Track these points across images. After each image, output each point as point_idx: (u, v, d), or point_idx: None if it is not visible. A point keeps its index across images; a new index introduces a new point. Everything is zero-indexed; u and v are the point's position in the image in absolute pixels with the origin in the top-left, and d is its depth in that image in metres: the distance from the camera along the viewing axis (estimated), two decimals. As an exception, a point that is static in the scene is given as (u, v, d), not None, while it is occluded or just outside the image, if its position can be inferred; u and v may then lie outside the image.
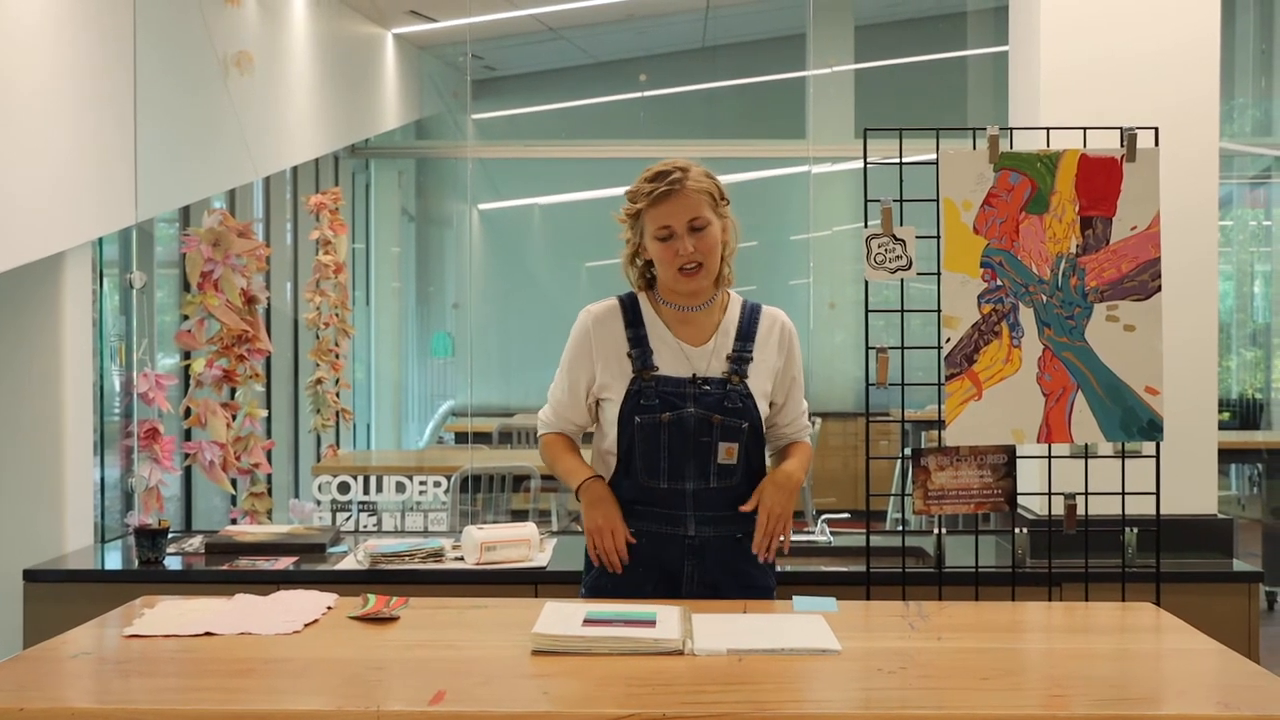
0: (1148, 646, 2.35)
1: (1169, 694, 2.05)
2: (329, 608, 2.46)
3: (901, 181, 3.01)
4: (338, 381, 5.78)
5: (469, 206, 8.82)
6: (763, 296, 2.78)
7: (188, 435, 4.44)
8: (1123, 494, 3.03)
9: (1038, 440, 2.93)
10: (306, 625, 2.33)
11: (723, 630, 2.24)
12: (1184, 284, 3.41)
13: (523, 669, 2.07)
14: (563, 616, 2.28)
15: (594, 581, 2.68)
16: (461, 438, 7.75)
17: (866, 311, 3.08)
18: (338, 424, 6.00)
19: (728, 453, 2.60)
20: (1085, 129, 3.00)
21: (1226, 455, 5.79)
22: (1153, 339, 2.91)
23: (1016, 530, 3.27)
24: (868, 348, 3.01)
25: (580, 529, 2.79)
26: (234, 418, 3.95)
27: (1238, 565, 3.44)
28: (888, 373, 2.99)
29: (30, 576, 3.38)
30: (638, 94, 9.73)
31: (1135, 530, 3.24)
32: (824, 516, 3.89)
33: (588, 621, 2.24)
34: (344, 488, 3.82)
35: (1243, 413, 8.62)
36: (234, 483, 3.98)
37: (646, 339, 2.65)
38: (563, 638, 2.15)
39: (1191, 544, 3.46)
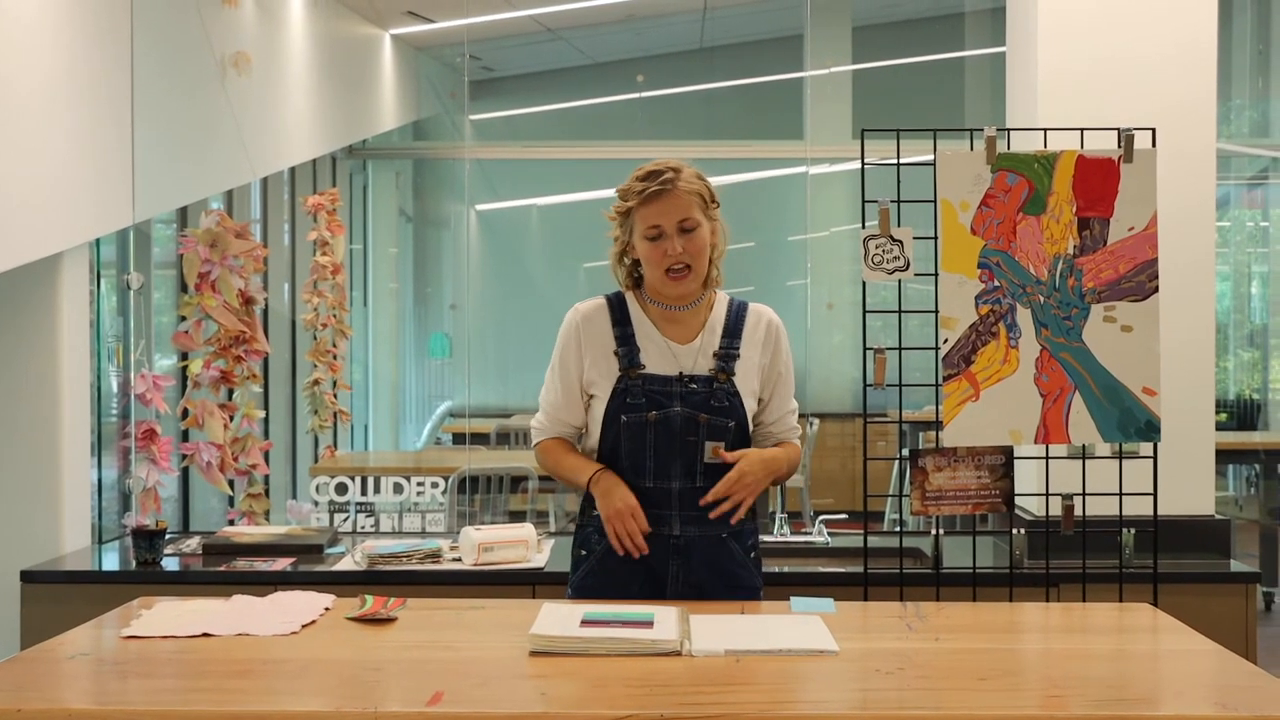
0: (1145, 647, 2.35)
1: (1166, 694, 2.05)
2: (326, 609, 2.46)
3: (899, 182, 3.01)
4: (335, 383, 5.78)
5: (466, 207, 8.82)
6: (760, 297, 2.77)
7: (185, 436, 4.44)
8: (1120, 495, 3.03)
9: (1035, 441, 2.93)
10: (304, 626, 2.33)
11: (720, 631, 2.24)
12: (1181, 285, 3.41)
13: (520, 670, 2.06)
14: (560, 617, 2.28)
15: (580, 581, 2.67)
16: (459, 439, 7.75)
17: (864, 312, 3.08)
18: (335, 425, 6.00)
19: (714, 451, 2.59)
20: (1082, 130, 3.00)
21: (1224, 456, 5.80)
22: (1150, 340, 2.91)
23: (1014, 531, 3.27)
24: (865, 348, 3.01)
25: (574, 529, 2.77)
26: (231, 419, 3.95)
27: (1235, 566, 3.45)
28: (885, 373, 3.00)
29: (27, 577, 3.38)
30: (635, 95, 9.73)
31: (1133, 531, 3.24)
32: (822, 517, 3.89)
33: (585, 622, 2.24)
34: (342, 489, 3.82)
35: (1240, 413, 8.63)
36: (231, 484, 3.98)
37: (633, 337, 2.64)
38: (560, 638, 2.15)
39: (1189, 545, 3.46)
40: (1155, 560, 3.03)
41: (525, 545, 3.37)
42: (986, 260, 2.91)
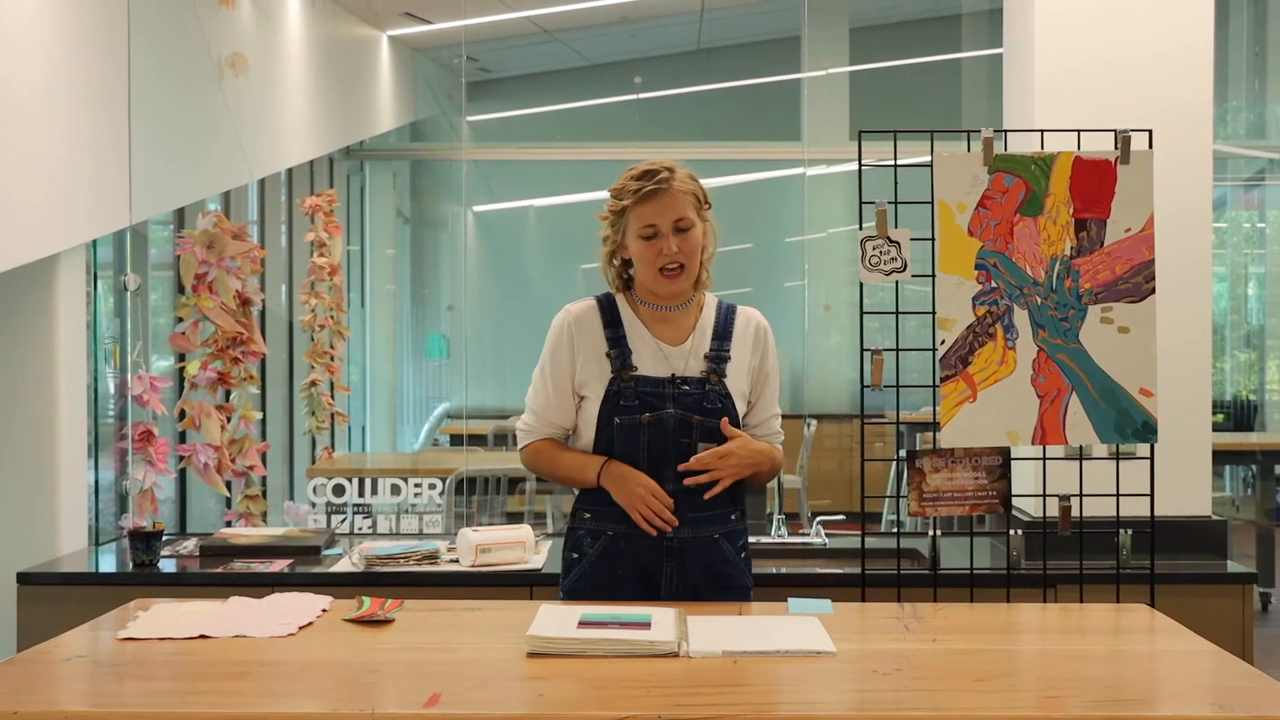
0: (1142, 648, 2.35)
1: (1163, 695, 2.06)
2: (324, 610, 2.46)
3: (896, 184, 3.01)
4: (333, 384, 5.78)
5: (464, 208, 8.82)
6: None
7: (182, 438, 4.43)
8: (1117, 495, 3.03)
9: (1032, 442, 2.93)
10: (301, 628, 2.32)
11: (718, 632, 2.24)
12: (1178, 286, 3.41)
13: (518, 671, 2.06)
14: (558, 618, 2.28)
15: (572, 585, 2.66)
16: (456, 440, 7.75)
17: (861, 313, 3.08)
18: (332, 426, 6.00)
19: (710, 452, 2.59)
20: (1079, 131, 3.01)
21: (1221, 457, 5.79)
22: (1147, 341, 2.92)
23: (1011, 532, 3.27)
24: (862, 349, 3.02)
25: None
26: (229, 420, 3.95)
27: (1232, 566, 3.45)
28: (883, 374, 3.00)
29: (24, 579, 3.38)
30: (632, 96, 9.73)
31: (1130, 532, 3.24)
32: (819, 518, 3.89)
33: (583, 623, 2.24)
34: (339, 490, 3.82)
35: (1237, 414, 8.64)
36: (229, 485, 3.98)
37: (625, 339, 2.63)
38: (558, 640, 2.15)
39: (1186, 545, 3.46)
40: (1152, 561, 3.03)
41: (523, 546, 3.37)
42: (984, 261, 2.92)
